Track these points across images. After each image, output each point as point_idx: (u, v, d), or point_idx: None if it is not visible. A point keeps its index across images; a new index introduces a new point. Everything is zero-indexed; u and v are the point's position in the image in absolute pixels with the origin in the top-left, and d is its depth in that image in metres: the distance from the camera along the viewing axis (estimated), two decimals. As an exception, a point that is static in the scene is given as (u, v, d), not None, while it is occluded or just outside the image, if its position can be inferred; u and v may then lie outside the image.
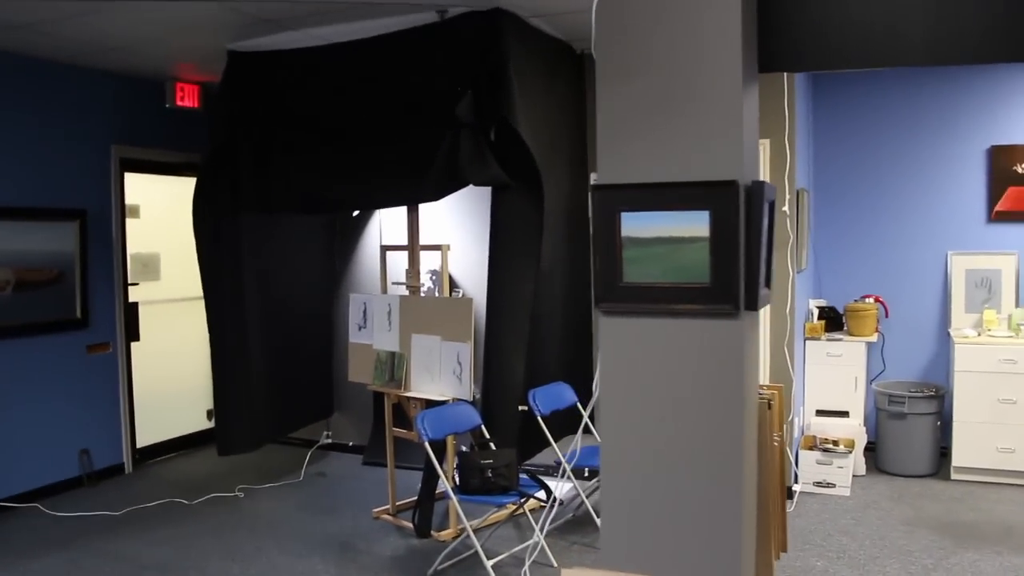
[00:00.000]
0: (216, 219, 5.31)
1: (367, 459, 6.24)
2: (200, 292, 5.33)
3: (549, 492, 4.12)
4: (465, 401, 4.45)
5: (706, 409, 2.52)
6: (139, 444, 6.22)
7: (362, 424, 6.49)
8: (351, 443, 6.55)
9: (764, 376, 5.29)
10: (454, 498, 4.01)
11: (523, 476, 4.21)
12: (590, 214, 2.64)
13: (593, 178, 2.46)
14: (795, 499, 5.19)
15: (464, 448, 5.22)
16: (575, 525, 4.86)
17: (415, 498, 5.26)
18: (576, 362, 5.50)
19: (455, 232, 5.86)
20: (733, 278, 2.42)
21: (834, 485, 5.42)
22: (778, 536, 3.02)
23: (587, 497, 4.68)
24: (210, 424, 6.79)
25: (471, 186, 4.61)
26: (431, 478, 4.66)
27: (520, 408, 4.54)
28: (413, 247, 4.81)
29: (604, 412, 2.66)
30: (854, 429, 5.73)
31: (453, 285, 5.99)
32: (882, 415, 5.82)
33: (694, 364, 2.52)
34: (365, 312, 5.08)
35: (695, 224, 2.45)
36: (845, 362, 5.83)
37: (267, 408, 5.62)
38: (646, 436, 2.59)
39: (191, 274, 5.63)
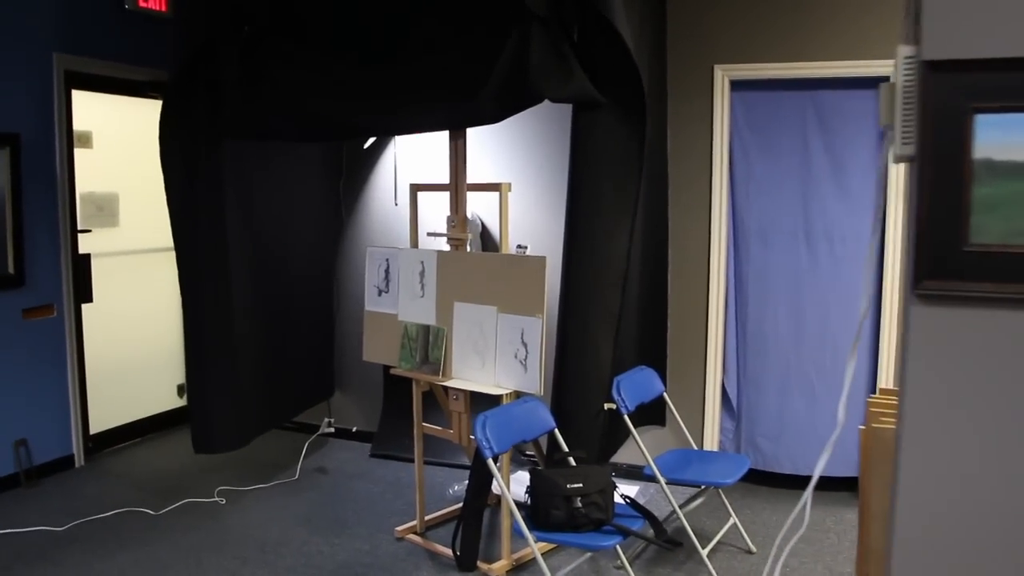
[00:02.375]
0: (190, 150, 4.06)
1: (376, 451, 5.10)
2: (170, 242, 4.09)
3: (659, 528, 2.99)
4: (534, 397, 3.29)
5: None
6: (93, 430, 5.00)
7: (369, 406, 5.33)
8: (355, 428, 5.39)
9: (891, 352, 4.19)
10: (529, 537, 2.86)
11: (617, 502, 3.09)
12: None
13: (905, 53, 1.21)
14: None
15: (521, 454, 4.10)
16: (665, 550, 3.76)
17: (448, 510, 4.13)
18: (654, 340, 4.36)
19: (504, 168, 4.65)
20: None
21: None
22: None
23: (681, 508, 3.53)
24: (182, 402, 5.59)
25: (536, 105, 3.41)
26: (480, 494, 3.51)
27: (607, 406, 3.39)
28: (457, 187, 3.59)
29: (913, 459, 1.52)
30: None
31: (490, 240, 4.79)
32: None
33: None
34: (387, 272, 3.88)
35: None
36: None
37: (255, 392, 4.43)
38: (1004, 510, 1.44)
39: (159, 219, 4.40)
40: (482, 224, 4.81)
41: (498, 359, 3.43)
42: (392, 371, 3.82)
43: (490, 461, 2.92)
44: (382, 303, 3.92)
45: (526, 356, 3.32)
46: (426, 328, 3.71)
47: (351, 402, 5.39)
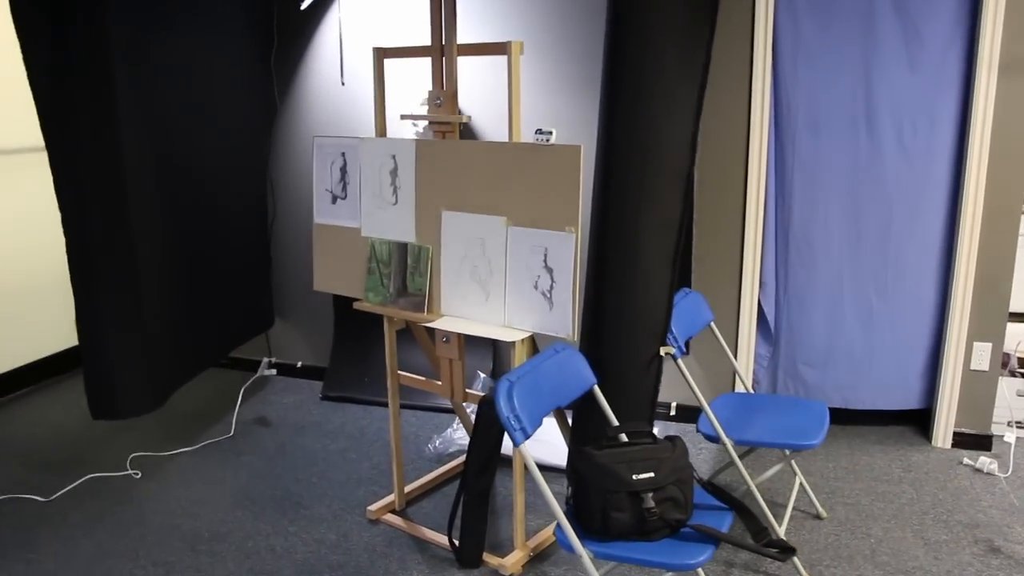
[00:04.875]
0: (57, 7, 2.89)
1: (328, 392, 4.16)
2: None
3: (757, 525, 2.15)
4: (565, 343, 2.37)
5: None
6: (-38, 383, 3.93)
7: (316, 336, 4.36)
8: (300, 363, 4.43)
9: (970, 263, 3.40)
10: (584, 556, 1.98)
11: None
12: None
13: None
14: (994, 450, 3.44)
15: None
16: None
17: (432, 475, 3.26)
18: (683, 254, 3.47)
19: (501, 29, 3.57)
20: None
21: (1037, 426, 3.70)
22: None
23: (746, 469, 2.71)
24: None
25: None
26: (485, 471, 2.63)
27: (662, 351, 2.49)
28: (445, 46, 2.54)
29: None
30: (1047, 340, 3.96)
31: (469, 135, 3.76)
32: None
33: None
34: (344, 170, 2.85)
35: None
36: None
37: (171, 334, 3.40)
38: None
39: (32, 108, 3.27)
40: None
41: (509, 290, 2.48)
42: (356, 305, 2.84)
43: (524, 448, 2.01)
44: (337, 213, 2.90)
45: (551, 286, 2.38)
46: (402, 247, 2.72)
47: (294, 332, 4.40)
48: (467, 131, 3.75)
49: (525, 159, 2.37)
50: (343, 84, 3.99)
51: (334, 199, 2.90)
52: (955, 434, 3.58)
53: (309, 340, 4.39)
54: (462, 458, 3.41)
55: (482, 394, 2.65)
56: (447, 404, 3.94)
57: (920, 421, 3.76)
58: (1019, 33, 3.15)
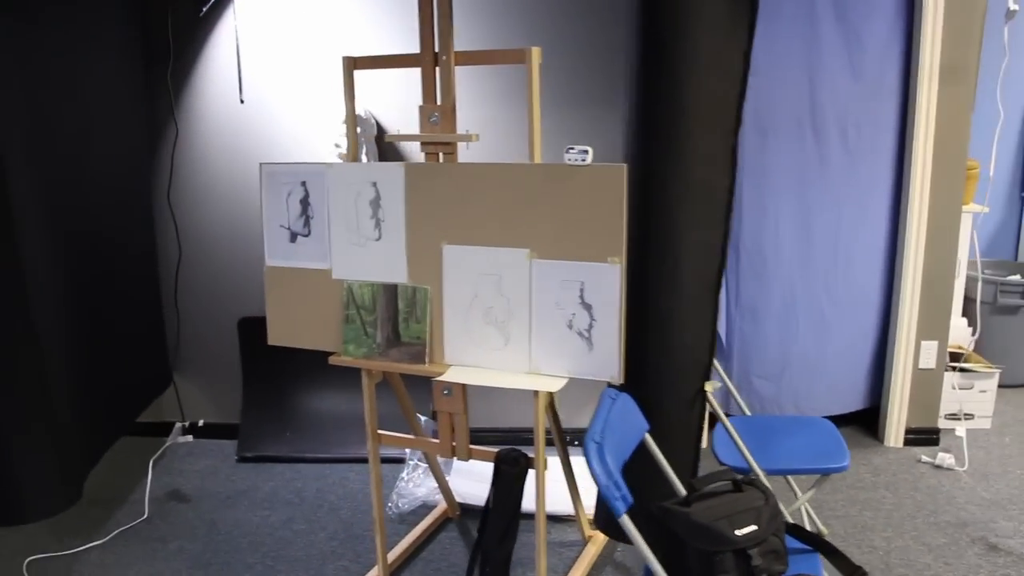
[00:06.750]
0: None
1: (245, 452, 3.64)
2: None
3: (848, 563, 1.99)
4: (614, 388, 2.10)
5: None
6: None
7: (220, 390, 3.82)
8: (202, 422, 3.85)
9: (917, 263, 3.47)
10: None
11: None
12: None
13: None
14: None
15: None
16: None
17: (410, 540, 2.88)
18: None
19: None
20: None
21: (972, 417, 3.86)
22: None
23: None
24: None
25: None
26: (507, 536, 2.32)
27: (707, 388, 2.28)
28: (440, 53, 2.19)
29: None
30: (960, 332, 4.16)
31: (392, 150, 3.39)
32: (984, 309, 4.31)
33: None
34: (306, 203, 2.44)
35: None
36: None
37: (74, 417, 2.80)
38: None
39: None
40: (378, 126, 3.40)
41: (536, 332, 2.18)
42: (332, 360, 2.43)
43: (628, 521, 1.73)
44: (299, 254, 2.48)
45: (590, 324, 2.11)
46: (391, 289, 2.35)
47: (194, 387, 3.83)
48: (388, 153, 3.39)
49: (554, 182, 2.09)
50: (242, 102, 3.52)
51: (293, 236, 2.47)
52: (905, 431, 3.65)
53: (211, 394, 3.83)
54: (433, 515, 3.05)
55: (493, 451, 2.34)
56: (388, 453, 3.55)
57: (862, 420, 3.81)
58: (957, 40, 3.24)
